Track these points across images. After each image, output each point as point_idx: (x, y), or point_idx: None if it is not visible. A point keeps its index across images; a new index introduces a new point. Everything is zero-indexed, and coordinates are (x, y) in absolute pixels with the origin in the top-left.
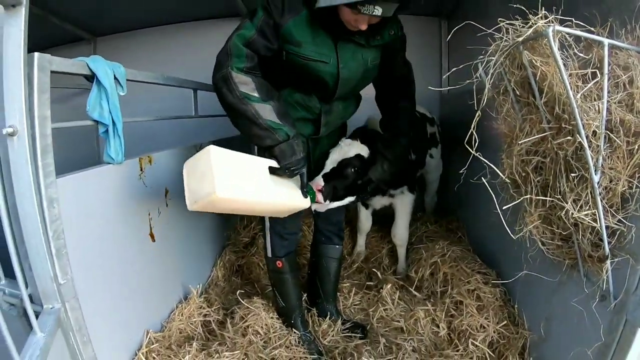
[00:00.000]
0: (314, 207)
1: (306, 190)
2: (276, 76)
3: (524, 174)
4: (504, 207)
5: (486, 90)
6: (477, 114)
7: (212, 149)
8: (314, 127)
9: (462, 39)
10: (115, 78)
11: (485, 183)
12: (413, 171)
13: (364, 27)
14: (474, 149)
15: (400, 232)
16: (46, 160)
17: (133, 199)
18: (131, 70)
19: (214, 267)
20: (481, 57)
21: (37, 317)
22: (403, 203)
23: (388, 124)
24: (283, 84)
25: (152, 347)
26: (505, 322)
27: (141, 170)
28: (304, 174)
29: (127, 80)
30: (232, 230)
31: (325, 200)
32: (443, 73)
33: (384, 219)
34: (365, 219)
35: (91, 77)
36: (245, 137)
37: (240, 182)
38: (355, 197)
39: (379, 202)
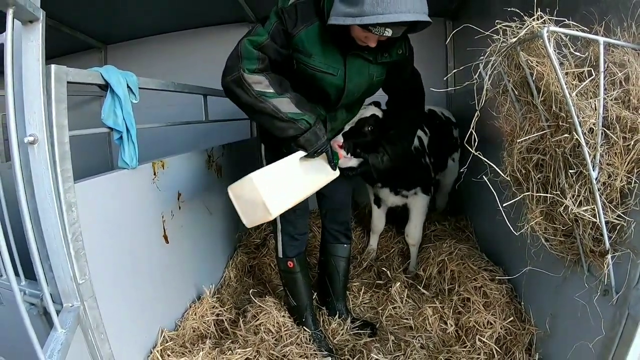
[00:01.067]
0: (340, 163)
1: (334, 163)
2: (294, 82)
3: (524, 172)
4: (505, 204)
5: (485, 90)
6: (476, 114)
7: (254, 177)
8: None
9: (467, 39)
10: (128, 86)
11: (487, 181)
12: (428, 173)
13: (373, 44)
14: (474, 148)
15: (414, 231)
16: (64, 167)
17: (147, 202)
18: (143, 78)
19: (226, 268)
20: (482, 57)
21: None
22: (417, 204)
23: (394, 126)
24: (297, 91)
25: (166, 345)
26: (512, 318)
27: (155, 174)
28: (329, 150)
29: (140, 88)
30: (243, 232)
31: (347, 154)
32: (449, 73)
33: (396, 220)
34: (378, 219)
35: (105, 86)
36: (267, 131)
37: (285, 192)
38: (367, 160)
39: (392, 200)
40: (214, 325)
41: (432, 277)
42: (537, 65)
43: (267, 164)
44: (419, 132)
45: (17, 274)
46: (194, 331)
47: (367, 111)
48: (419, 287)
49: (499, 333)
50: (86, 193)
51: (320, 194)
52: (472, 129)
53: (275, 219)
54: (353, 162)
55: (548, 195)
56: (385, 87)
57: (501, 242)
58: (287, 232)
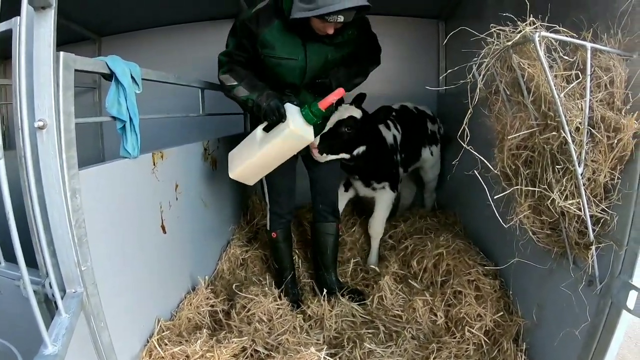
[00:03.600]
0: (316, 157)
1: (302, 111)
2: (259, 74)
3: (514, 167)
4: (495, 197)
5: (477, 89)
6: (469, 111)
7: (229, 154)
8: None
9: (459, 41)
10: (132, 77)
11: (478, 175)
12: (397, 171)
13: (331, 31)
14: (466, 143)
15: (376, 225)
16: (70, 153)
17: (147, 191)
18: (145, 69)
19: (219, 260)
20: (475, 59)
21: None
22: (382, 198)
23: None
24: (265, 80)
25: (163, 334)
26: (502, 312)
27: (154, 164)
28: (279, 107)
29: (144, 79)
30: (236, 225)
31: (321, 154)
32: (441, 73)
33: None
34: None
35: (109, 76)
36: None
37: (243, 157)
38: (349, 154)
39: (363, 191)
40: (209, 315)
41: (427, 269)
42: (528, 67)
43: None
44: (393, 131)
45: (15, 261)
46: (189, 321)
47: (346, 112)
48: (411, 281)
49: (488, 325)
50: (89, 180)
51: (312, 180)
52: (465, 124)
53: (265, 199)
54: (329, 157)
55: (536, 189)
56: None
57: (491, 237)
58: (273, 210)
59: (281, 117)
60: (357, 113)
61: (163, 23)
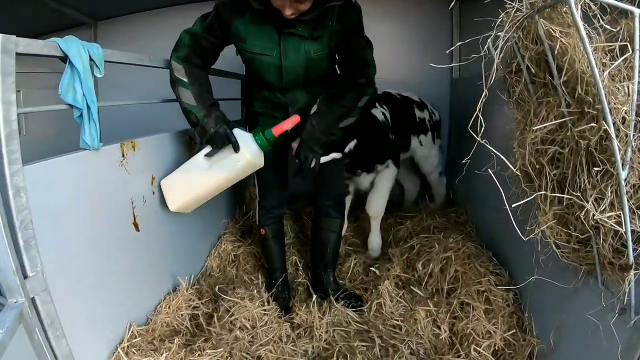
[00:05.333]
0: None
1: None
2: (247, 74)
3: (538, 166)
4: (513, 205)
5: (494, 66)
6: (483, 94)
7: (162, 182)
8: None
9: (474, 22)
10: (92, 59)
11: (492, 175)
12: (393, 146)
13: (288, 12)
14: (480, 136)
15: (377, 202)
16: (11, 147)
17: (113, 186)
18: (112, 50)
19: (208, 257)
20: (490, 32)
21: None
22: (385, 176)
23: (336, 89)
24: (253, 81)
25: (134, 341)
26: (514, 330)
27: (123, 156)
28: (229, 136)
29: (109, 62)
30: (230, 218)
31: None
32: (454, 58)
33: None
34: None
35: (64, 59)
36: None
37: (191, 189)
38: (341, 152)
39: (366, 180)
40: (189, 319)
41: (432, 274)
42: (560, 36)
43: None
44: (381, 109)
45: None
46: (166, 326)
47: None
48: (412, 286)
49: (497, 345)
50: (39, 177)
51: None
52: (479, 111)
53: (254, 190)
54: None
55: (565, 196)
56: (338, 65)
57: (506, 243)
58: (262, 204)
59: (233, 146)
60: None
61: (161, 4)
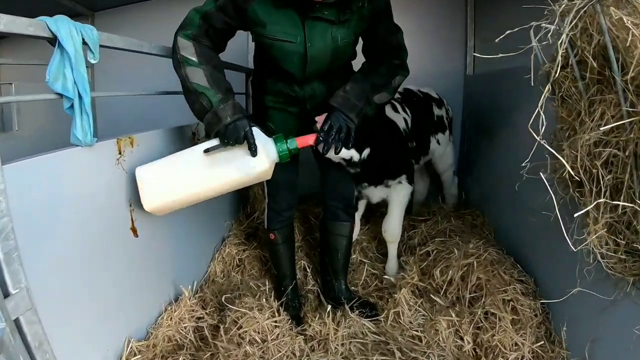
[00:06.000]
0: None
1: (255, 151)
2: (260, 65)
3: (589, 171)
4: (575, 214)
5: (558, 58)
6: (546, 89)
7: (137, 171)
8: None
9: (491, 14)
10: (85, 43)
11: (544, 180)
12: (409, 160)
13: None
14: (540, 136)
15: (392, 227)
16: None
17: (109, 187)
18: (108, 34)
19: (211, 262)
20: (533, 22)
21: None
22: (398, 194)
23: (369, 64)
24: (267, 72)
25: (133, 359)
26: (543, 342)
27: (120, 153)
28: (248, 134)
29: (105, 46)
30: (234, 219)
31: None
32: (468, 52)
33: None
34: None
35: (53, 41)
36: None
37: (171, 186)
38: (359, 153)
39: (378, 194)
40: (193, 332)
41: (451, 282)
42: (633, 26)
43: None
44: (404, 114)
45: None
46: (168, 340)
47: None
48: (431, 294)
49: (525, 357)
50: (21, 177)
51: (322, 170)
52: (540, 107)
53: (263, 192)
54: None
55: (626, 204)
56: (364, 51)
57: (531, 249)
58: (272, 207)
59: (250, 148)
60: None
61: None
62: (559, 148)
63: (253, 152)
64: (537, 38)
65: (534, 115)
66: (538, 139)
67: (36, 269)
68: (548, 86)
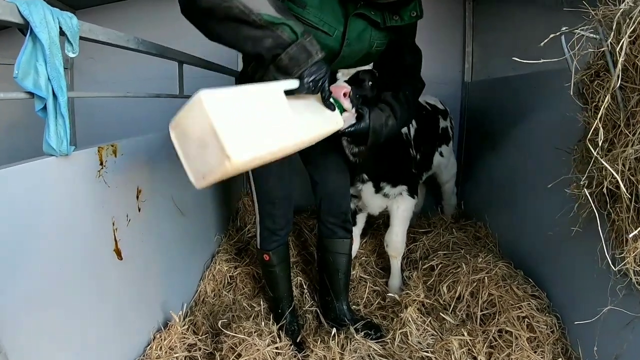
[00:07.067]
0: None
1: (332, 104)
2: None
3: (630, 186)
4: (631, 235)
5: (617, 68)
6: (606, 100)
7: (205, 98)
8: None
9: (491, 21)
10: (63, 33)
11: (588, 195)
12: (411, 169)
13: None
14: (597, 150)
15: (396, 240)
16: None
17: (88, 204)
18: (91, 25)
19: (201, 281)
20: (565, 28)
21: None
22: (400, 207)
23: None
24: None
25: None
26: (560, 359)
27: (102, 164)
28: (325, 82)
29: (86, 39)
30: (224, 234)
31: (352, 108)
32: (467, 59)
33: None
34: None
35: (25, 27)
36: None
37: (256, 130)
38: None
39: (375, 204)
40: None
41: (460, 298)
42: None
43: None
44: None
45: None
46: None
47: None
48: (440, 312)
49: None
50: None
51: (314, 182)
52: (599, 120)
53: (254, 207)
54: (352, 119)
55: None
56: (379, 62)
57: (544, 262)
58: (266, 226)
59: (325, 98)
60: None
61: None
62: (588, 160)
63: (328, 103)
64: (569, 44)
65: (591, 131)
66: (595, 154)
67: (3, 302)
68: (608, 96)
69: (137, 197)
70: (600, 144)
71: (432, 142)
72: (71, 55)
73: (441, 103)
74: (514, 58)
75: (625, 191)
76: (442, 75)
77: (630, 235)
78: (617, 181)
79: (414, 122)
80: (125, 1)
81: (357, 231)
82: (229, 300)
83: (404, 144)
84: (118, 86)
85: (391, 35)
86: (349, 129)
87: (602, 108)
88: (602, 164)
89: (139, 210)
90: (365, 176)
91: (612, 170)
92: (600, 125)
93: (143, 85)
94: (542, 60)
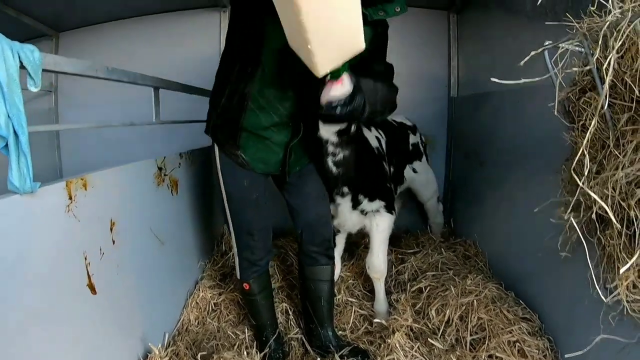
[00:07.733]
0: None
1: None
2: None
3: (622, 211)
4: (630, 261)
5: (606, 84)
6: (592, 123)
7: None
8: (292, 129)
9: (475, 34)
10: (23, 67)
11: (574, 224)
12: (386, 184)
13: None
14: (582, 180)
15: (377, 262)
16: None
17: (57, 241)
18: (55, 56)
19: (184, 309)
20: (548, 43)
21: None
22: (379, 226)
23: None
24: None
25: None
26: None
27: (71, 199)
28: None
29: (50, 71)
30: (208, 259)
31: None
32: (452, 72)
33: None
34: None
35: None
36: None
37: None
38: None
39: (352, 220)
40: None
41: (450, 321)
42: None
43: (224, 176)
44: (376, 133)
45: None
46: None
47: None
48: (428, 337)
49: None
50: None
51: (292, 209)
52: (584, 147)
53: (231, 241)
54: (347, 87)
55: None
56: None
57: (535, 283)
58: (245, 257)
59: None
60: None
61: (128, 15)
62: (576, 183)
63: None
64: (553, 59)
65: (577, 156)
66: (580, 183)
67: None
68: (602, 106)
69: (111, 230)
70: (586, 174)
71: (403, 155)
72: (33, 89)
73: (408, 120)
74: (492, 79)
75: (615, 220)
76: (428, 92)
77: (622, 270)
78: (597, 206)
79: (383, 134)
80: (108, 23)
81: (337, 254)
82: (213, 328)
83: (377, 157)
84: (100, 108)
85: (375, 30)
86: (348, 108)
87: (588, 132)
88: (590, 194)
89: (114, 242)
90: (345, 189)
91: (599, 201)
92: (586, 153)
93: (128, 105)
94: (522, 80)
